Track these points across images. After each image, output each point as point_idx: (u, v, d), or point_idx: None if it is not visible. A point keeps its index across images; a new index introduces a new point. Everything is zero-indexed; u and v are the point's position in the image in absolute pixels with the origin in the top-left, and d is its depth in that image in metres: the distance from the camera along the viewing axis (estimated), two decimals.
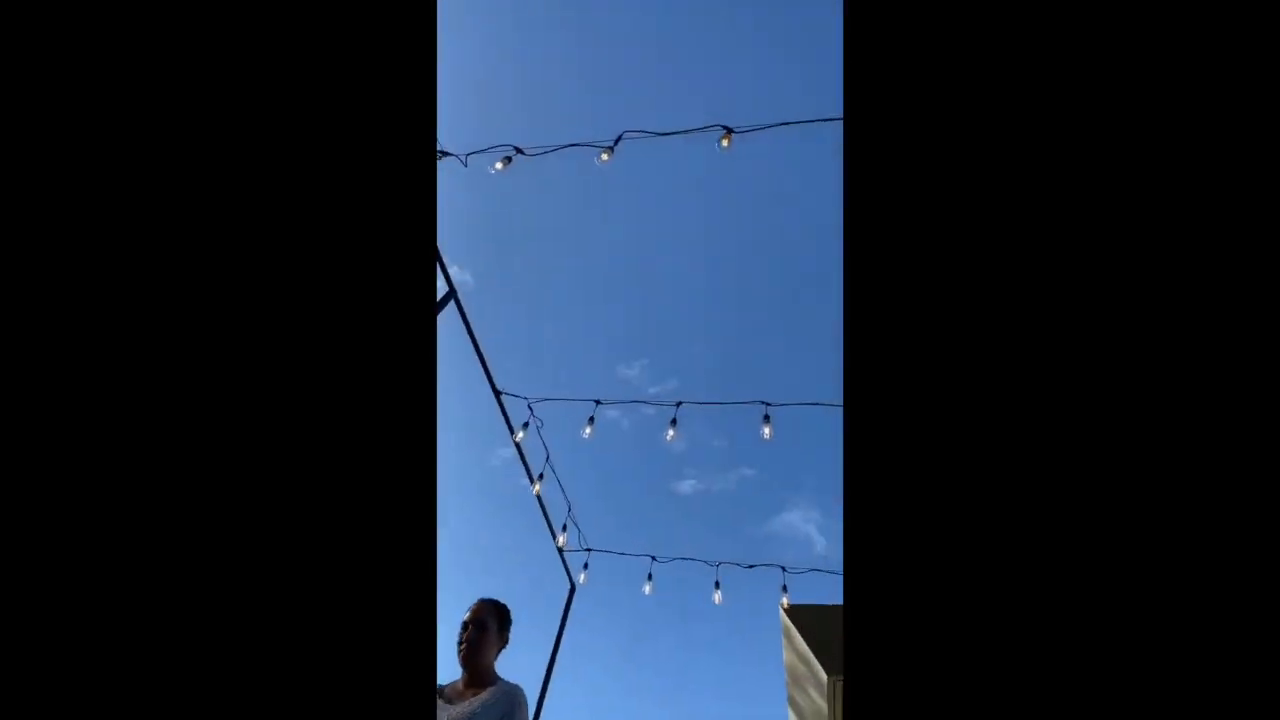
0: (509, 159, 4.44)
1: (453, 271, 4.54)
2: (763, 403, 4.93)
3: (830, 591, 6.06)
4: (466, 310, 4.81)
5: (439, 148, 4.85)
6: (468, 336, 4.97)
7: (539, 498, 6.33)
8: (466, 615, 2.81)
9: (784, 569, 5.76)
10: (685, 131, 4.39)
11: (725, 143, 4.07)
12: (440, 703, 2.65)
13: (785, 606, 6.22)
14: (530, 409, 5.59)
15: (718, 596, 6.95)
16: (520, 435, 5.78)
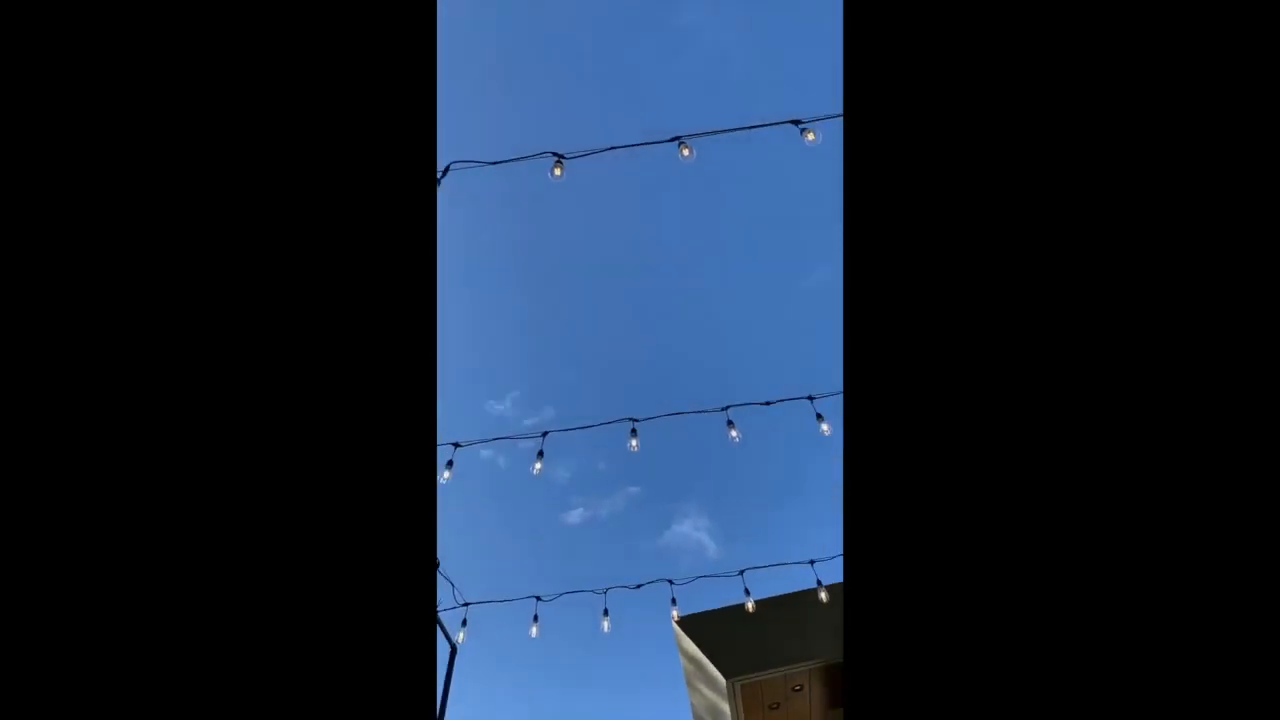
0: None
1: None
2: (629, 419, 4.96)
3: (722, 595, 6.15)
4: None
5: None
6: None
7: None
8: None
9: (671, 582, 5.78)
10: (514, 160, 4.36)
11: (686, 153, 4.00)
12: None
13: (676, 619, 6.24)
14: None
15: (606, 624, 6.85)
16: None
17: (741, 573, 5.48)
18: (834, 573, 6.83)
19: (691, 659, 6.64)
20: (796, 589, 5.93)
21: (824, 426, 4.97)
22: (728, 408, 4.82)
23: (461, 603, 6.95)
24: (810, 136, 3.89)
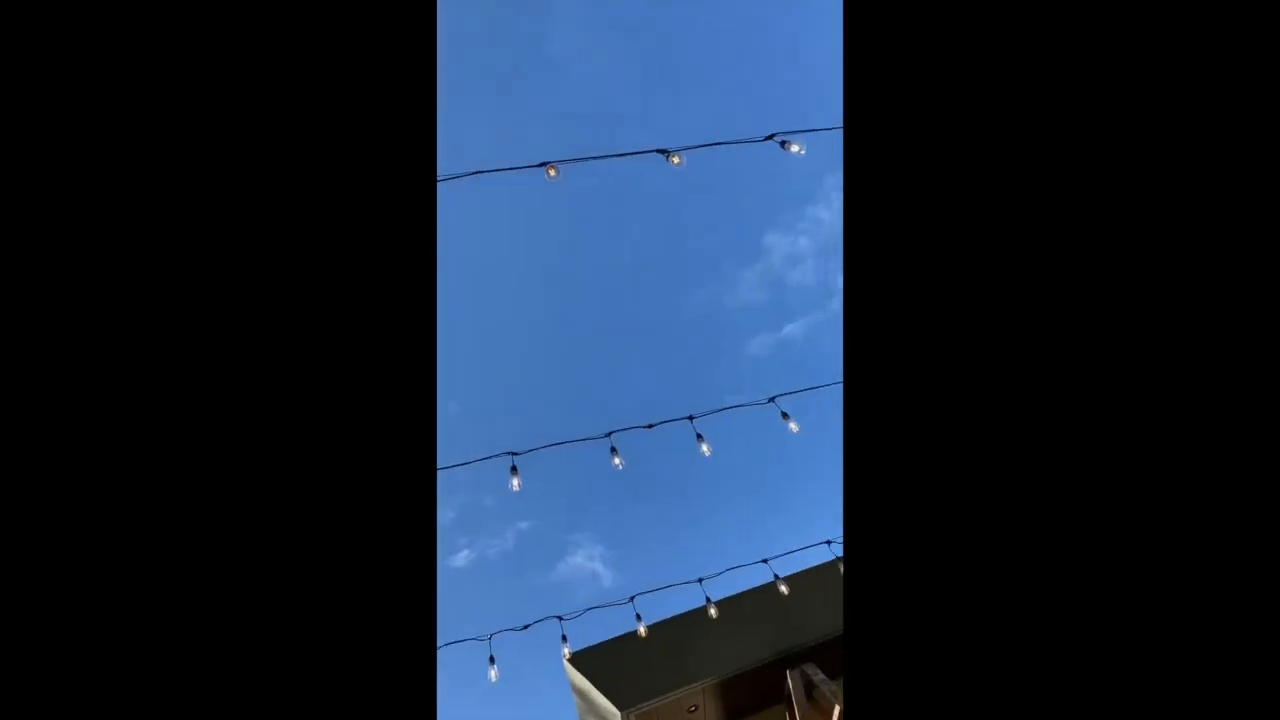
0: None
1: None
2: (509, 453, 4.79)
3: (615, 624, 6.04)
4: None
5: None
6: None
7: None
8: None
9: (560, 618, 5.61)
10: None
11: (676, 160, 3.77)
12: None
13: (567, 656, 6.06)
14: None
15: (494, 673, 6.55)
16: None
17: (632, 599, 5.41)
18: (722, 588, 6.91)
19: (583, 695, 6.47)
20: (690, 608, 5.93)
21: (704, 447, 5.04)
22: (610, 434, 4.77)
23: None
24: (795, 148, 3.76)
